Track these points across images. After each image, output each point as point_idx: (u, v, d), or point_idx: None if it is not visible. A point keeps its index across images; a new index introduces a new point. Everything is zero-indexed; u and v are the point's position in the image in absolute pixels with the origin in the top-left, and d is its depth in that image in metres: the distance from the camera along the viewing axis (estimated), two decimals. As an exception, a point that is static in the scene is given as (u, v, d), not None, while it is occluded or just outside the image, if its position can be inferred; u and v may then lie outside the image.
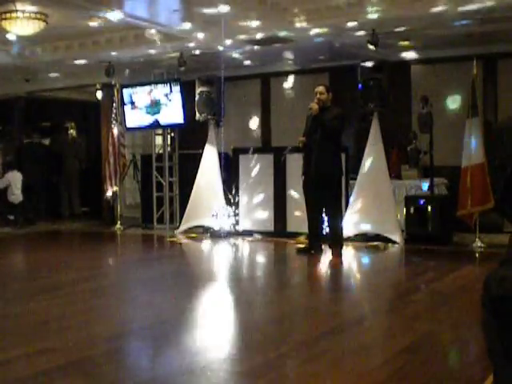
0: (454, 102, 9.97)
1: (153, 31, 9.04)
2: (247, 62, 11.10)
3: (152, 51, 9.91)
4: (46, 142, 13.61)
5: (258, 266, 7.68)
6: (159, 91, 10.63)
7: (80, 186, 13.21)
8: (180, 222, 10.22)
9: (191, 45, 9.51)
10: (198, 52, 9.95)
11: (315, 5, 8.10)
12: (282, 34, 8.82)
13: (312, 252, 7.57)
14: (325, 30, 8.65)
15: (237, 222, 9.53)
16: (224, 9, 7.83)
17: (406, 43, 8.38)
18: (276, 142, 11.49)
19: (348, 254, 7.76)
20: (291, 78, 11.59)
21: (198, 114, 9.77)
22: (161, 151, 11.13)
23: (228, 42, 9.38)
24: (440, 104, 9.63)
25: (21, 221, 11.33)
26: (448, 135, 9.63)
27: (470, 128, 8.07)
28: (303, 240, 8.29)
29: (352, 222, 8.44)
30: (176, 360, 3.79)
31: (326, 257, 7.42)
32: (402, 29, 8.58)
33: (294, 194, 8.99)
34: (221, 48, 9.87)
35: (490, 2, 7.38)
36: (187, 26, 8.68)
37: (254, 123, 11.99)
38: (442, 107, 9.73)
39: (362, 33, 8.56)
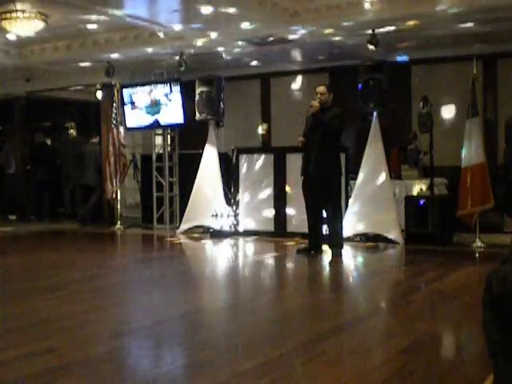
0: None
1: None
2: (247, 62, 11.11)
3: (152, 51, 9.91)
4: (48, 142, 13.64)
5: (257, 266, 7.67)
6: (159, 91, 10.63)
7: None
8: (180, 222, 10.22)
9: (191, 44, 9.51)
10: (198, 52, 9.95)
11: (315, 4, 8.10)
12: (282, 34, 8.82)
13: (312, 252, 7.57)
14: (325, 29, 8.65)
15: (237, 222, 9.53)
16: (224, 9, 7.84)
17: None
18: (276, 142, 11.50)
19: (348, 254, 7.75)
20: (291, 78, 11.59)
21: (198, 114, 9.76)
22: (161, 151, 11.14)
23: (228, 42, 9.38)
24: (440, 104, 9.63)
25: None
26: (448, 135, 9.64)
27: (469, 128, 8.08)
28: (299, 240, 8.32)
29: (352, 222, 8.43)
30: (176, 360, 3.79)
31: (326, 257, 7.42)
32: (402, 29, 8.61)
33: (294, 193, 8.98)
34: (221, 48, 9.88)
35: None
36: (187, 25, 8.68)
37: (254, 123, 11.98)
38: (441, 107, 9.73)
39: (362, 33, 8.56)
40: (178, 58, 9.88)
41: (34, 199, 13.06)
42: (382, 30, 8.35)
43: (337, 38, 9.09)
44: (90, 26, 9.09)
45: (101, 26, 9.13)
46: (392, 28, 8.52)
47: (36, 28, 8.25)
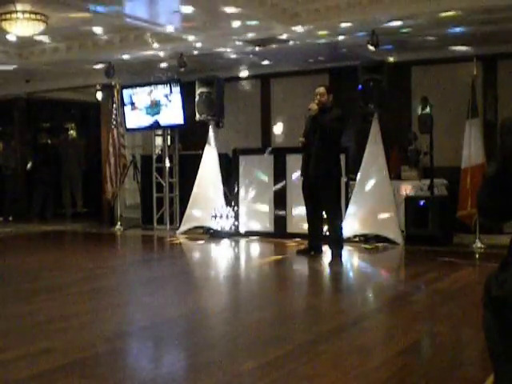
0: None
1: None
2: (247, 63, 11.10)
3: (152, 52, 9.91)
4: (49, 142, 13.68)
5: (257, 267, 7.67)
6: (159, 92, 10.63)
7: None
8: (180, 223, 10.22)
9: (191, 45, 9.51)
10: (198, 53, 9.94)
11: (315, 5, 8.10)
12: (282, 34, 8.82)
13: (312, 253, 7.56)
14: (325, 30, 8.65)
15: (237, 223, 9.52)
16: (224, 9, 7.83)
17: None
18: (276, 142, 11.49)
19: (348, 254, 7.75)
20: (291, 79, 11.58)
21: (198, 115, 9.76)
22: (161, 152, 11.14)
23: (228, 42, 9.38)
24: (440, 104, 9.61)
25: None
26: (448, 136, 9.63)
27: (469, 129, 8.08)
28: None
29: (352, 223, 8.43)
30: (176, 360, 3.79)
31: (326, 258, 7.42)
32: (402, 29, 8.61)
33: (294, 194, 8.98)
34: (221, 49, 9.88)
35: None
36: (187, 26, 8.68)
37: (254, 124, 11.97)
38: (441, 108, 9.72)
39: (362, 33, 8.56)
40: (177, 58, 9.87)
41: (38, 200, 13.04)
42: (382, 30, 8.33)
43: (337, 39, 9.08)
44: (90, 27, 9.08)
45: (101, 27, 9.13)
46: (392, 28, 8.51)
47: (36, 29, 8.25)
